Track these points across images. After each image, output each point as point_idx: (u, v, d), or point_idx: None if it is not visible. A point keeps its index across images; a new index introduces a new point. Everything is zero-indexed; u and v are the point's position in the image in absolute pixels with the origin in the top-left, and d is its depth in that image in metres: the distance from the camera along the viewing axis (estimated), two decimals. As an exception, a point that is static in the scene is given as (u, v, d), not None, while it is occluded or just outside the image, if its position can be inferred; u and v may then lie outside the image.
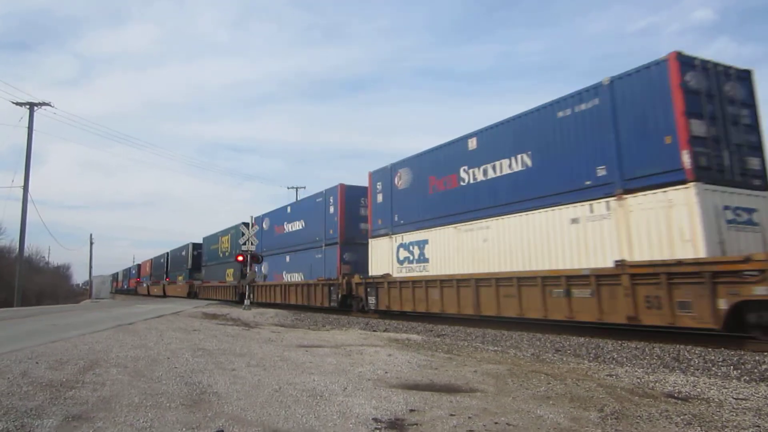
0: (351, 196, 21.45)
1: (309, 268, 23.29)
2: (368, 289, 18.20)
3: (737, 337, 9.00)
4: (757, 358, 7.55)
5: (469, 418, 4.27)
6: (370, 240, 19.05)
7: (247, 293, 25.76)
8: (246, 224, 27.17)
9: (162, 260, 57.57)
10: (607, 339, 10.15)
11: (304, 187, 52.53)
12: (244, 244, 25.87)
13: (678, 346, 8.96)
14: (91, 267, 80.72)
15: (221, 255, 35.90)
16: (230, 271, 33.44)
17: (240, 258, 26.62)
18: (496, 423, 4.13)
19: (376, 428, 4.01)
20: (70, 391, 5.10)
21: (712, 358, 7.87)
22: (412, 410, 4.50)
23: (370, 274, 18.58)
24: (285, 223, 26.82)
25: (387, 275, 17.36)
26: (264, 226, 29.18)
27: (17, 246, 36.83)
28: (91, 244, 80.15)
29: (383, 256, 18.23)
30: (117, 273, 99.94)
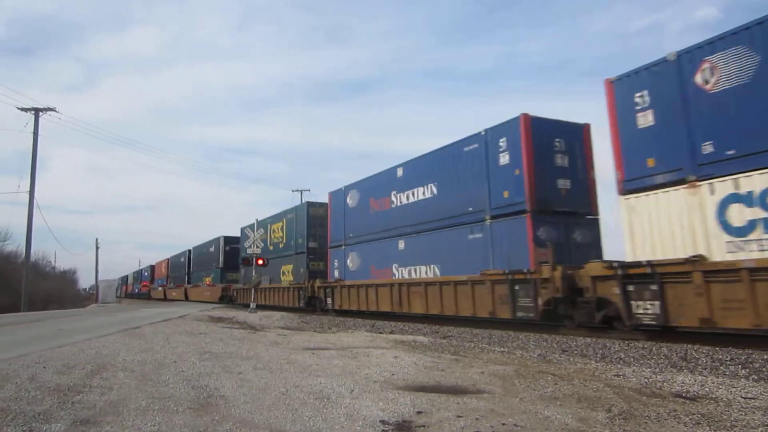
0: (540, 136, 13.23)
1: (453, 255, 15.03)
2: (629, 289, 9.94)
3: (742, 336, 8.96)
4: (765, 356, 7.51)
5: (477, 419, 4.26)
6: (621, 199, 10.85)
7: (253, 296, 25.67)
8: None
9: (182, 259, 52.16)
10: (614, 339, 10.10)
11: (309, 190, 52.14)
12: (249, 247, 25.88)
13: (685, 345, 8.91)
14: (97, 271, 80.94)
15: (271, 248, 28.36)
16: (288, 267, 25.91)
17: (260, 261, 25.34)
18: (503, 424, 4.12)
19: (383, 430, 4.01)
20: (78, 395, 5.12)
21: (720, 357, 7.83)
22: (419, 412, 4.49)
23: (634, 257, 10.34)
24: (393, 192, 18.20)
25: (696, 259, 8.95)
26: (348, 201, 21.22)
27: (24, 251, 36.97)
28: (97, 248, 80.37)
29: (668, 224, 9.84)
30: (126, 276, 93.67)
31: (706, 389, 5.55)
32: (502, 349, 9.64)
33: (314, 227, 24.51)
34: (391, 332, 13.54)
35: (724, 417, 4.32)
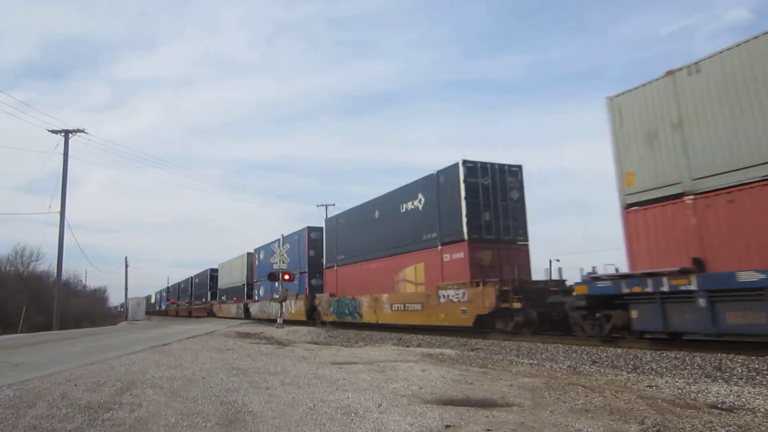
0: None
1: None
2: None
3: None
4: (804, 365, 7.30)
5: (506, 433, 4.20)
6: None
7: (281, 311, 25.69)
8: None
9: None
10: (646, 349, 9.92)
11: (334, 204, 52.33)
12: (276, 262, 25.90)
13: (720, 354, 8.71)
14: (126, 289, 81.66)
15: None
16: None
17: (287, 276, 25.89)
18: (533, 438, 4.05)
19: (411, 445, 3.97)
20: (108, 412, 5.16)
21: (756, 366, 7.63)
22: (447, 426, 4.44)
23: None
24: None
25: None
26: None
27: (55, 270, 37.65)
28: (126, 266, 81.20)
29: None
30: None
31: (743, 400, 5.40)
32: (531, 361, 9.52)
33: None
34: (418, 345, 13.47)
35: (763, 428, 4.20)
